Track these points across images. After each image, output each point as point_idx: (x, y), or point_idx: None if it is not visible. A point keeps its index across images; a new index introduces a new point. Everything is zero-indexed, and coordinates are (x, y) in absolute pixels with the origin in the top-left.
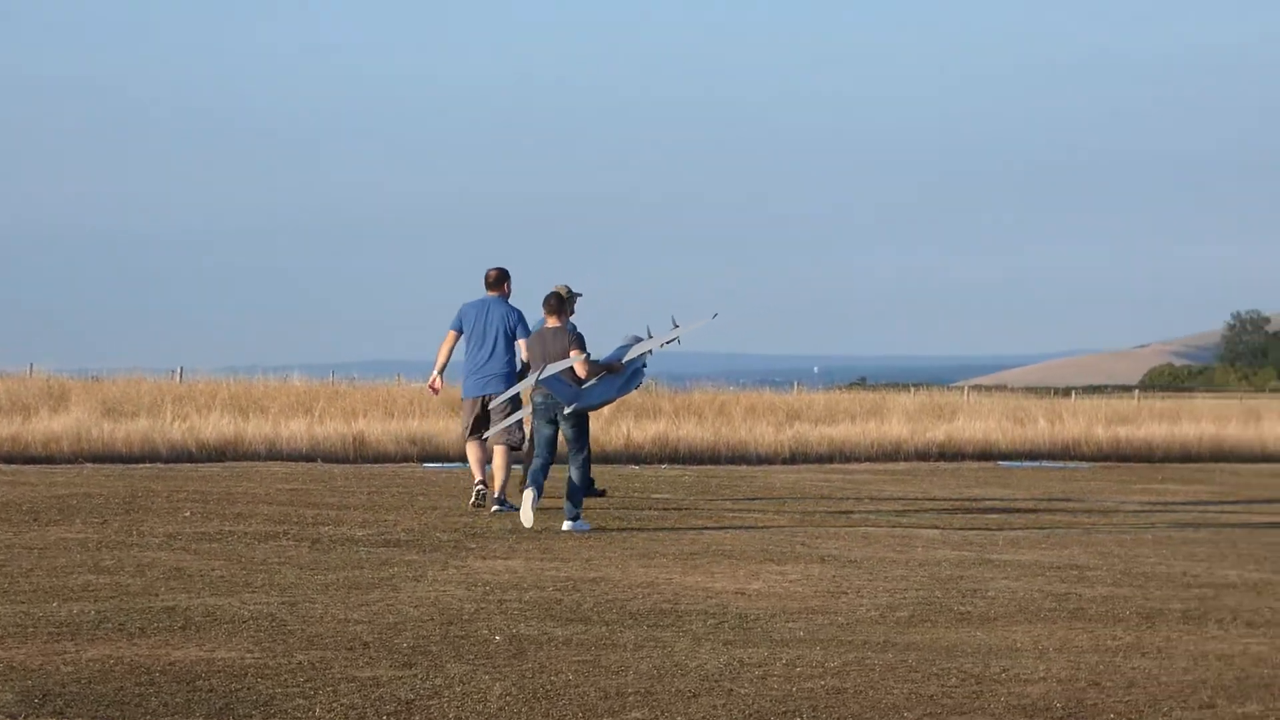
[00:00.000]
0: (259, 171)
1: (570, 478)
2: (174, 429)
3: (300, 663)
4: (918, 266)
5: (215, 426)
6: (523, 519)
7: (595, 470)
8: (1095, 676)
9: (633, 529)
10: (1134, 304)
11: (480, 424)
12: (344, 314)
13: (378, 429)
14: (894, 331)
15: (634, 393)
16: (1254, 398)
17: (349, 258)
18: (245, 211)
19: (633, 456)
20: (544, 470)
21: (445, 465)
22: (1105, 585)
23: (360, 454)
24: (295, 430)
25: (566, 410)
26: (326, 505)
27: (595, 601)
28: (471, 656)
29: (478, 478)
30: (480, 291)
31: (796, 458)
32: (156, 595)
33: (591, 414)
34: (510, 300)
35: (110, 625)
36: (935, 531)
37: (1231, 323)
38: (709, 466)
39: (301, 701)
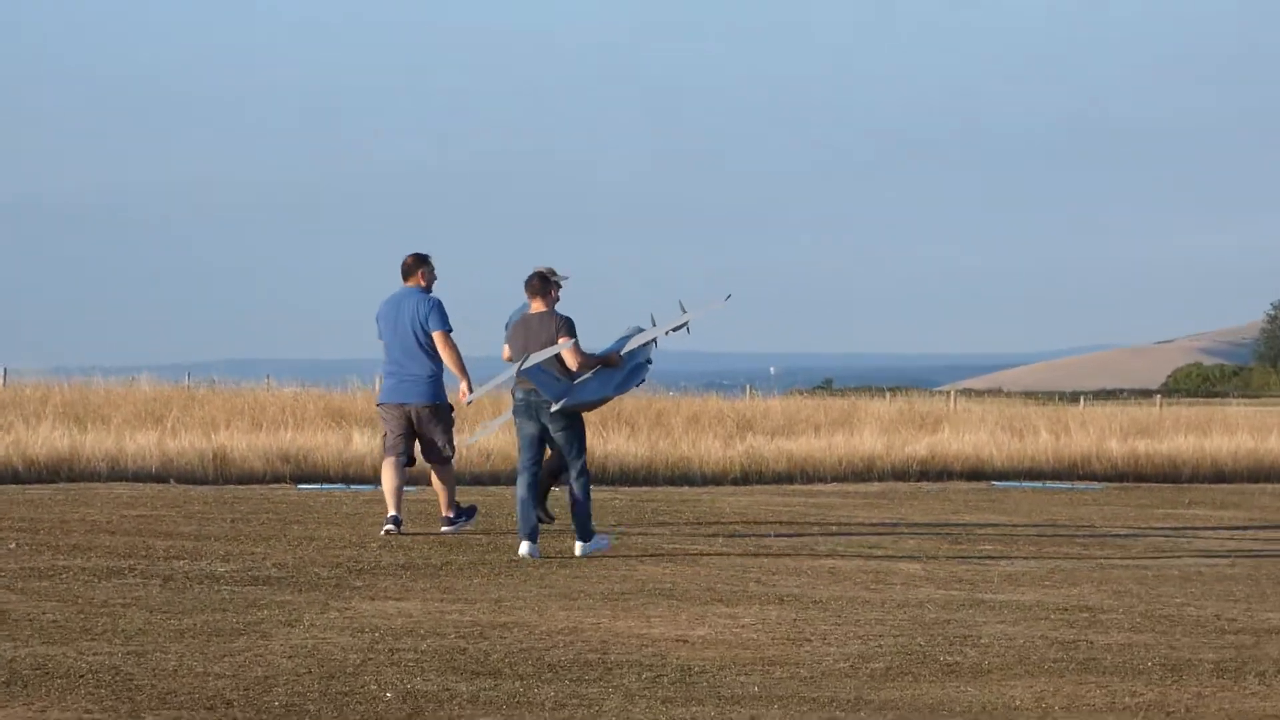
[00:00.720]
0: (89, 137)
1: (571, 494)
2: None
3: None
4: (893, 248)
5: (45, 440)
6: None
7: (494, 493)
8: None
9: (552, 563)
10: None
11: (406, 440)
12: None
13: (243, 443)
14: (866, 325)
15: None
16: None
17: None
18: (77, 182)
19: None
20: (534, 493)
21: (324, 486)
22: (1122, 631)
23: (222, 473)
24: (143, 445)
25: (554, 408)
26: (181, 535)
27: (507, 651)
28: (357, 717)
29: (390, 510)
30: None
31: (749, 477)
32: None
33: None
34: (434, 290)
35: None
36: (917, 565)
37: (1272, 314)
38: (643, 488)
39: None
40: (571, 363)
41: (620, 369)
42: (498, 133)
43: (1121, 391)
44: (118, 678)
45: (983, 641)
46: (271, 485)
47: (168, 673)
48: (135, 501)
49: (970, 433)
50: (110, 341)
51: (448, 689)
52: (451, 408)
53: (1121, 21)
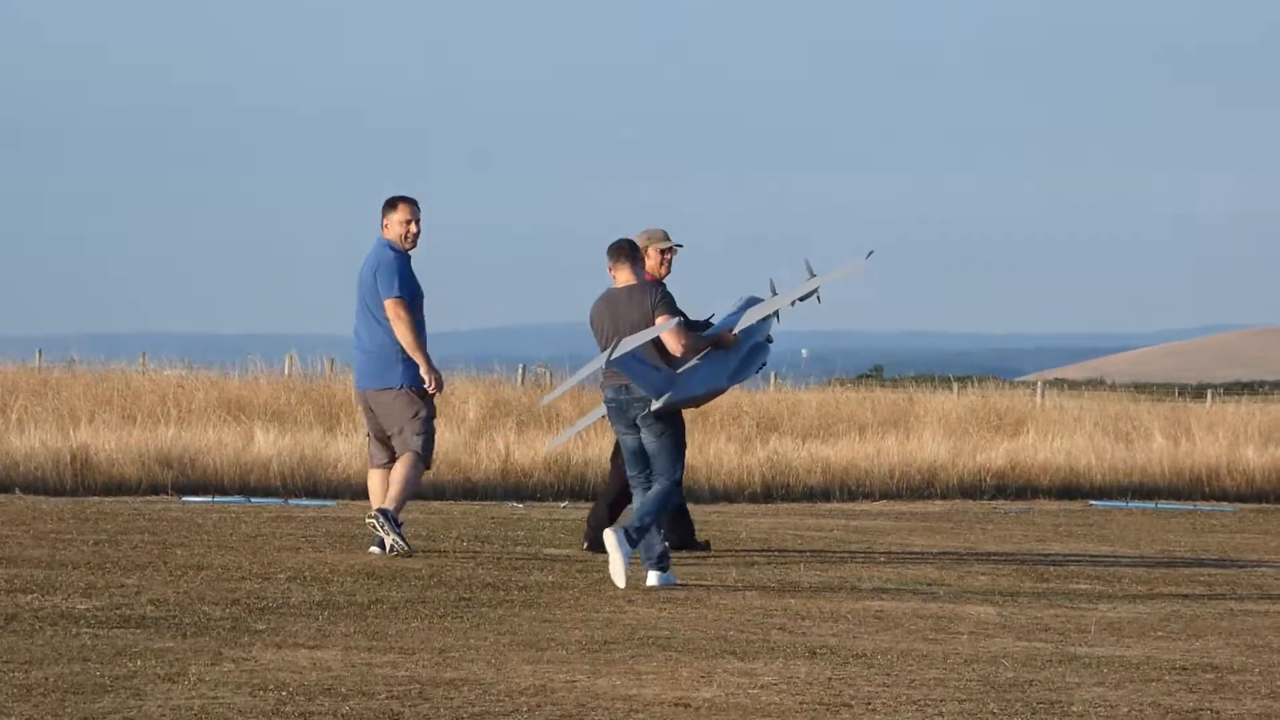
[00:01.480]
0: None
1: (644, 499)
2: None
3: None
4: (958, 192)
5: None
6: (614, 578)
7: (458, 509)
8: None
9: (514, 602)
10: None
11: (383, 447)
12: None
13: (110, 442)
14: (926, 294)
15: (525, 389)
16: None
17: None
18: None
19: (515, 489)
20: (636, 503)
21: (217, 500)
22: (1259, 697)
23: (83, 481)
24: None
25: (654, 405)
26: (29, 561)
27: (454, 716)
28: None
29: (374, 505)
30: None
31: (774, 492)
32: None
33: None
34: (415, 248)
35: None
36: (990, 609)
37: None
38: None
39: None
40: (674, 347)
41: (735, 351)
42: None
43: (1262, 384)
44: None
45: (1075, 709)
46: (148, 497)
47: None
48: None
49: (1062, 437)
50: None
51: None
52: (423, 393)
53: None
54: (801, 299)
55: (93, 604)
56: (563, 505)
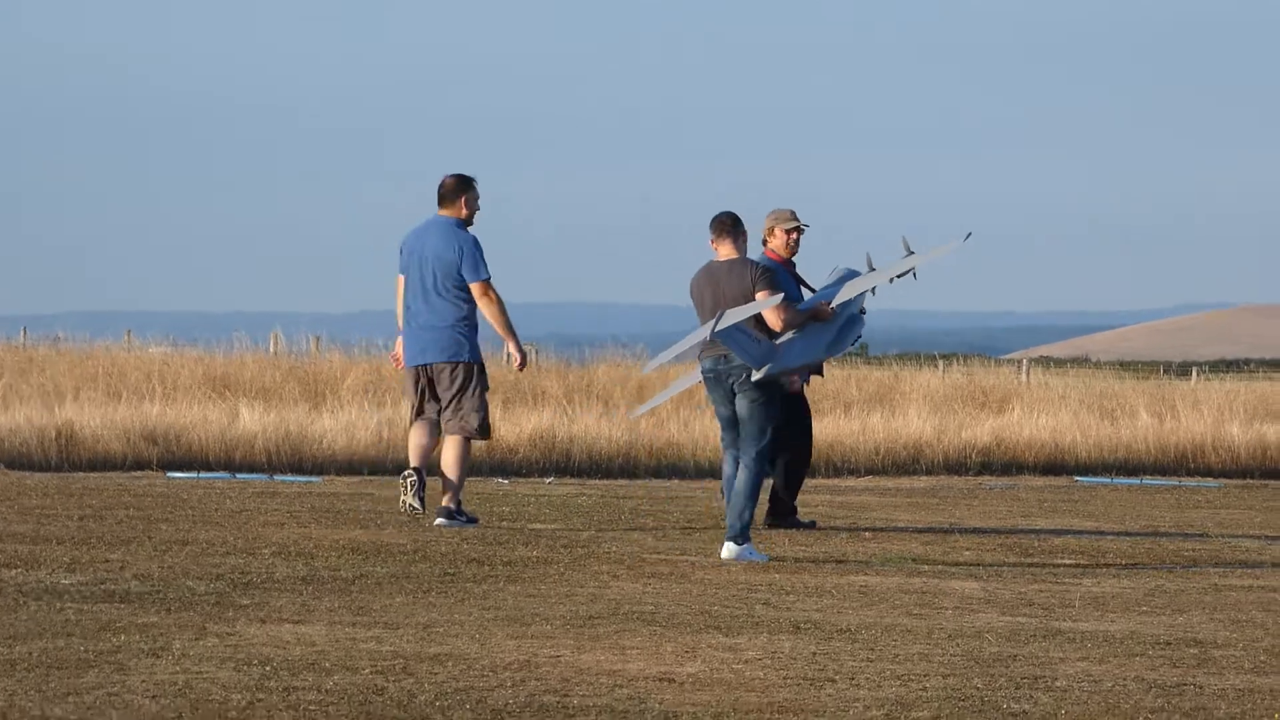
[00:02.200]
0: None
1: (736, 494)
2: None
3: None
4: (945, 173)
5: None
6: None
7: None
8: None
9: (499, 577)
10: None
11: (430, 408)
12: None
13: (95, 418)
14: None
15: (509, 366)
16: None
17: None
18: None
19: (500, 465)
20: (727, 469)
21: (202, 475)
22: (1242, 672)
23: (68, 457)
24: None
25: (755, 376)
26: (14, 536)
27: (438, 692)
28: None
29: (413, 462)
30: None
31: None
32: None
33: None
34: (470, 226)
35: None
36: (974, 584)
37: None
38: (620, 481)
39: None
40: (774, 322)
41: (832, 324)
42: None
43: (1247, 362)
44: None
45: (1059, 684)
46: (133, 473)
47: None
48: None
49: (1048, 414)
50: None
51: None
52: (483, 370)
53: None
54: (899, 276)
55: (77, 579)
56: (548, 481)
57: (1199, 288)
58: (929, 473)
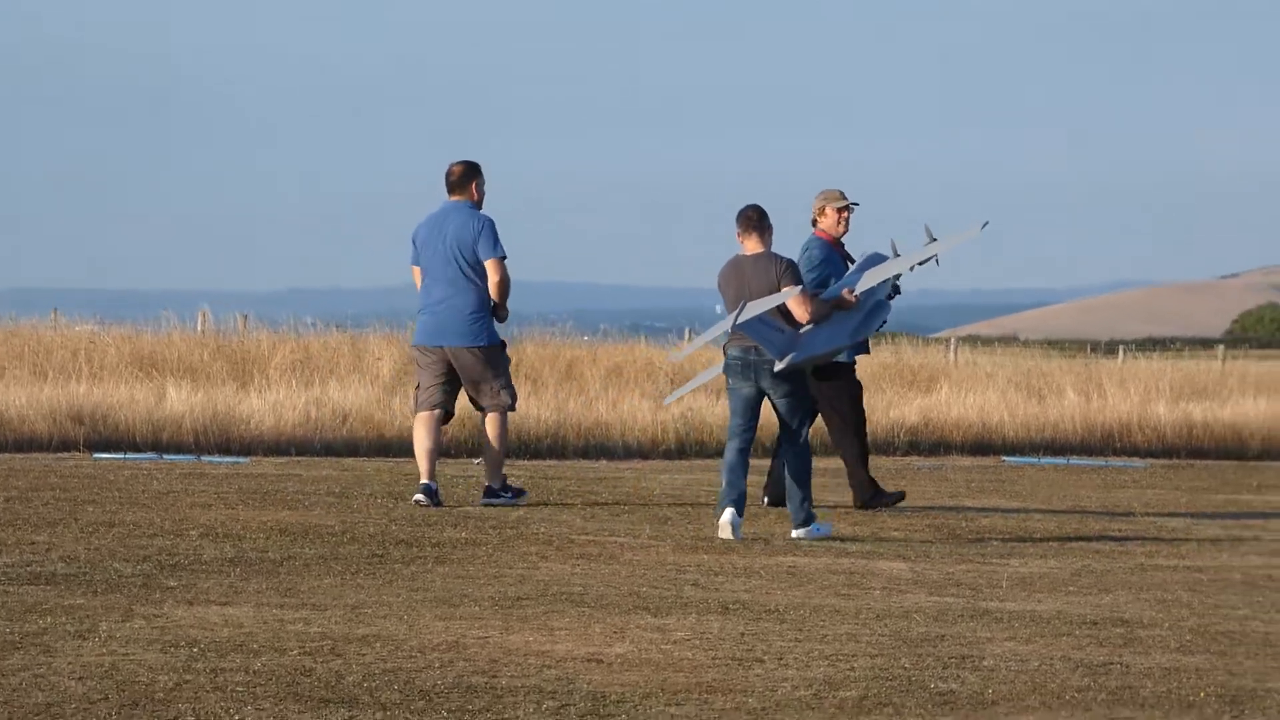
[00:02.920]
0: None
1: (786, 469)
2: None
3: None
4: (872, 149)
5: None
6: (721, 534)
7: (372, 466)
8: None
9: (427, 559)
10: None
11: (444, 391)
12: None
13: (20, 398)
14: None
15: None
16: None
17: None
18: None
19: None
20: (744, 461)
21: (129, 456)
22: (1168, 651)
23: None
24: None
25: (778, 367)
26: None
27: (366, 673)
28: None
29: (423, 476)
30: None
31: (686, 449)
32: None
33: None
34: (483, 209)
35: None
36: (902, 564)
37: None
38: (548, 462)
39: None
40: (800, 314)
41: (856, 311)
42: None
43: (1173, 341)
44: None
45: (986, 664)
46: (59, 454)
47: None
48: None
49: (975, 393)
50: None
51: None
52: (505, 347)
53: None
54: (920, 264)
55: (2, 561)
56: (475, 462)
57: (1128, 266)
58: None
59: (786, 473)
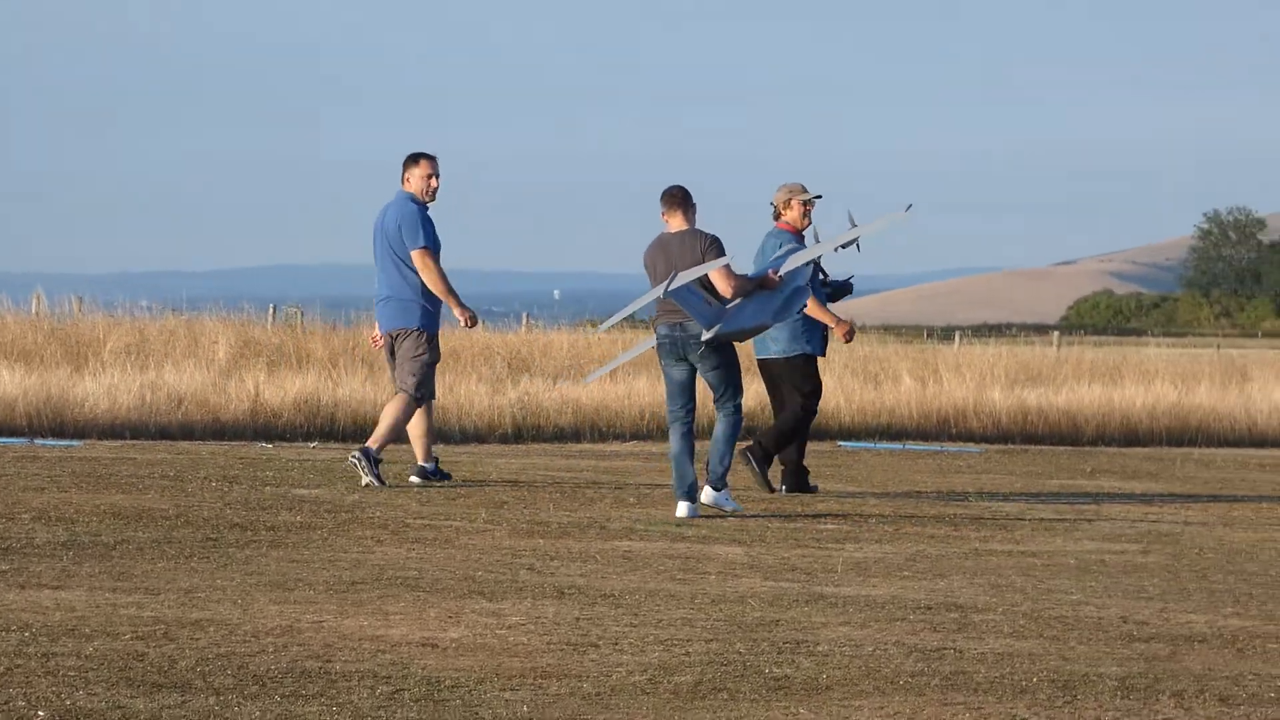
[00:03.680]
0: None
1: (715, 432)
2: None
3: None
4: (697, 133)
5: None
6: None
7: (207, 449)
8: None
9: (261, 542)
10: (1054, 193)
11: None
12: None
13: None
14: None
15: (276, 329)
16: (1238, 344)
17: None
18: None
19: (264, 430)
20: (688, 446)
21: None
22: (1001, 636)
23: None
24: None
25: (705, 336)
26: None
27: (199, 657)
28: None
29: (418, 458)
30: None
31: (524, 433)
32: None
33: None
34: (434, 201)
35: None
36: (737, 549)
37: (1205, 227)
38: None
39: None
40: (724, 288)
41: (779, 292)
42: None
43: (1009, 327)
44: None
45: (820, 649)
46: None
47: None
48: None
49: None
50: None
51: (120, 706)
52: (433, 339)
53: None
54: (843, 246)
55: None
56: (312, 445)
57: (964, 252)
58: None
59: (715, 432)
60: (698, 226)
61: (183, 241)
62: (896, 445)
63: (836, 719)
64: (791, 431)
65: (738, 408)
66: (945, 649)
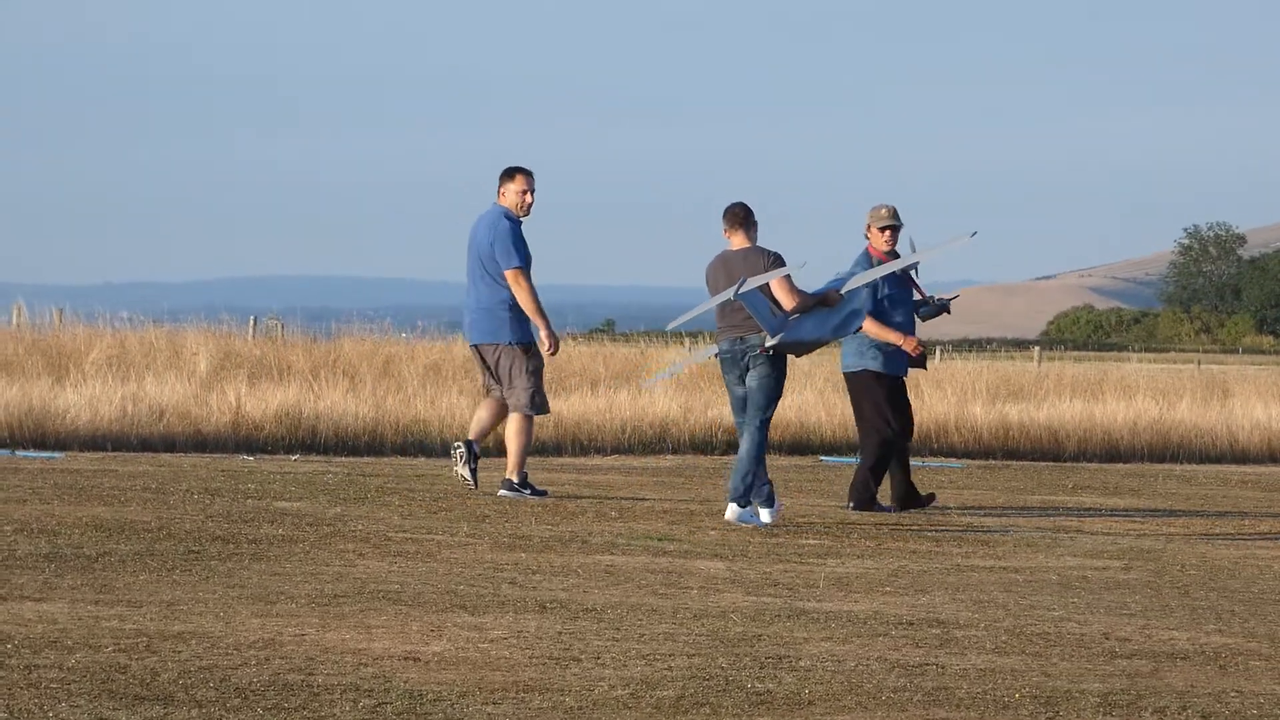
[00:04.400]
0: None
1: (740, 451)
2: None
3: None
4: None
5: None
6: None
7: (188, 461)
8: None
9: (244, 555)
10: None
11: (494, 380)
12: None
13: None
14: (657, 249)
15: (257, 341)
16: (1219, 360)
17: None
18: None
19: (246, 442)
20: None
21: None
22: (983, 652)
23: None
24: None
25: (769, 342)
26: None
27: (181, 670)
28: None
29: (470, 435)
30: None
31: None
32: None
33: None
34: (528, 216)
35: None
36: (720, 564)
37: (1185, 242)
38: (366, 459)
39: None
40: (785, 301)
41: (838, 310)
42: None
43: (989, 342)
44: None
45: (803, 664)
46: None
47: None
48: None
49: (794, 393)
50: None
51: (102, 718)
52: (529, 349)
53: None
54: (906, 269)
55: None
56: (293, 458)
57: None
58: (675, 451)
59: (740, 450)
60: (759, 244)
61: (162, 252)
62: None
63: None
64: (877, 463)
65: (764, 423)
66: (927, 665)
